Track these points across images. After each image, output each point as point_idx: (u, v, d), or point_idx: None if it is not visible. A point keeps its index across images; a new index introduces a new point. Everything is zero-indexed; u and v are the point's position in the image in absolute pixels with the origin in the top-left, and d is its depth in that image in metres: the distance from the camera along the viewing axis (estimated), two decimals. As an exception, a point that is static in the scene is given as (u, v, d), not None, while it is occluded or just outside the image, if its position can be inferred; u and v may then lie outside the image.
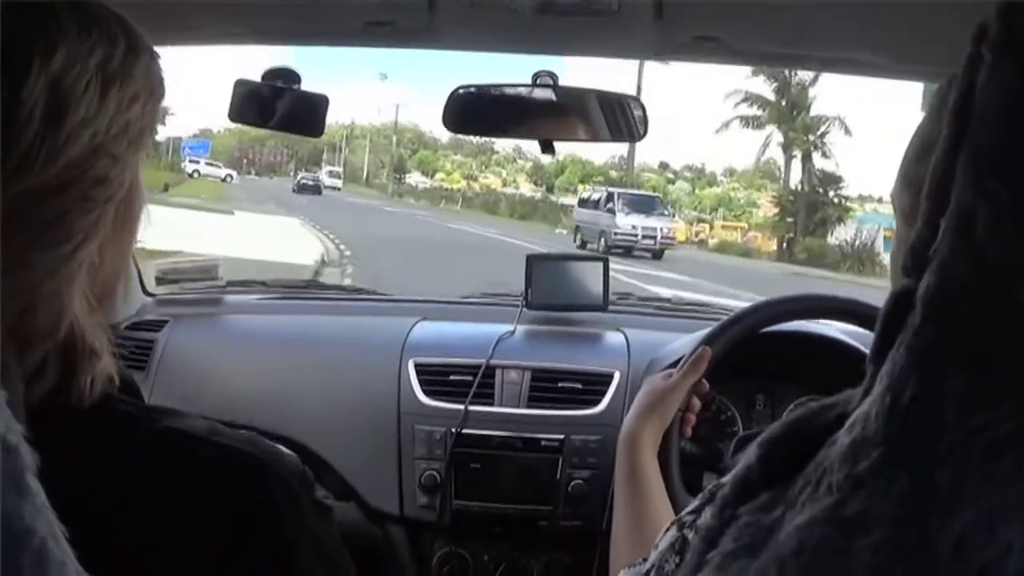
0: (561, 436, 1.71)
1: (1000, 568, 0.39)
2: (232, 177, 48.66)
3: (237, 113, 1.67)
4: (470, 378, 1.76)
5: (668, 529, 0.77)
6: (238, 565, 0.67)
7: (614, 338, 1.94)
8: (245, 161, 74.56)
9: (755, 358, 1.52)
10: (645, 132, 1.62)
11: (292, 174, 65.35)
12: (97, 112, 0.63)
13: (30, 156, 0.60)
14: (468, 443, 1.70)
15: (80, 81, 0.62)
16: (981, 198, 0.41)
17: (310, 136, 1.71)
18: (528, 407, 1.75)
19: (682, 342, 1.65)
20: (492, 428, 1.72)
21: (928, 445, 0.42)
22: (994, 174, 0.41)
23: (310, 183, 45.56)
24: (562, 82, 1.57)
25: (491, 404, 1.75)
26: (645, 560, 0.82)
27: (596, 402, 1.75)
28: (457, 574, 1.73)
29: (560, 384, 1.78)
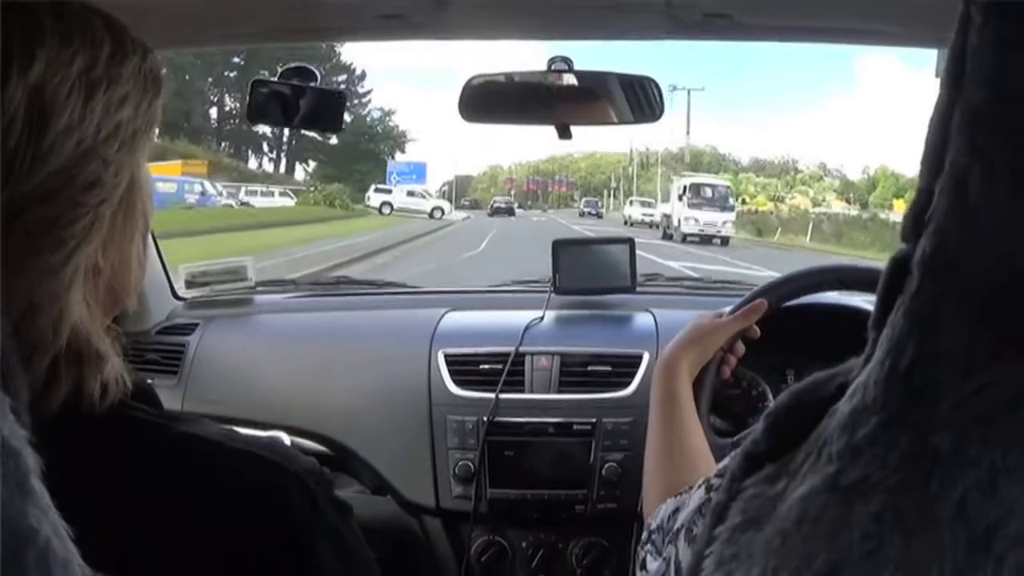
0: (593, 420, 1.71)
1: (1003, 530, 0.39)
2: (442, 211, 39.26)
3: (258, 114, 1.67)
4: (500, 366, 1.77)
5: (699, 486, 0.78)
6: (258, 567, 0.68)
7: (643, 319, 1.93)
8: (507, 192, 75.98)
9: (785, 332, 1.50)
10: (662, 112, 1.61)
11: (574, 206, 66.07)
12: (82, 118, 0.63)
13: (14, 164, 0.60)
14: (500, 431, 1.71)
15: (62, 88, 0.62)
16: (975, 158, 0.41)
17: (330, 132, 1.72)
18: (559, 392, 1.76)
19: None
20: (524, 415, 1.72)
21: (927, 409, 0.41)
22: (987, 134, 0.41)
23: (503, 206, 48.86)
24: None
25: (522, 391, 1.76)
26: (691, 488, 0.82)
27: (626, 384, 1.75)
28: (496, 562, 1.74)
29: (590, 368, 1.78)
